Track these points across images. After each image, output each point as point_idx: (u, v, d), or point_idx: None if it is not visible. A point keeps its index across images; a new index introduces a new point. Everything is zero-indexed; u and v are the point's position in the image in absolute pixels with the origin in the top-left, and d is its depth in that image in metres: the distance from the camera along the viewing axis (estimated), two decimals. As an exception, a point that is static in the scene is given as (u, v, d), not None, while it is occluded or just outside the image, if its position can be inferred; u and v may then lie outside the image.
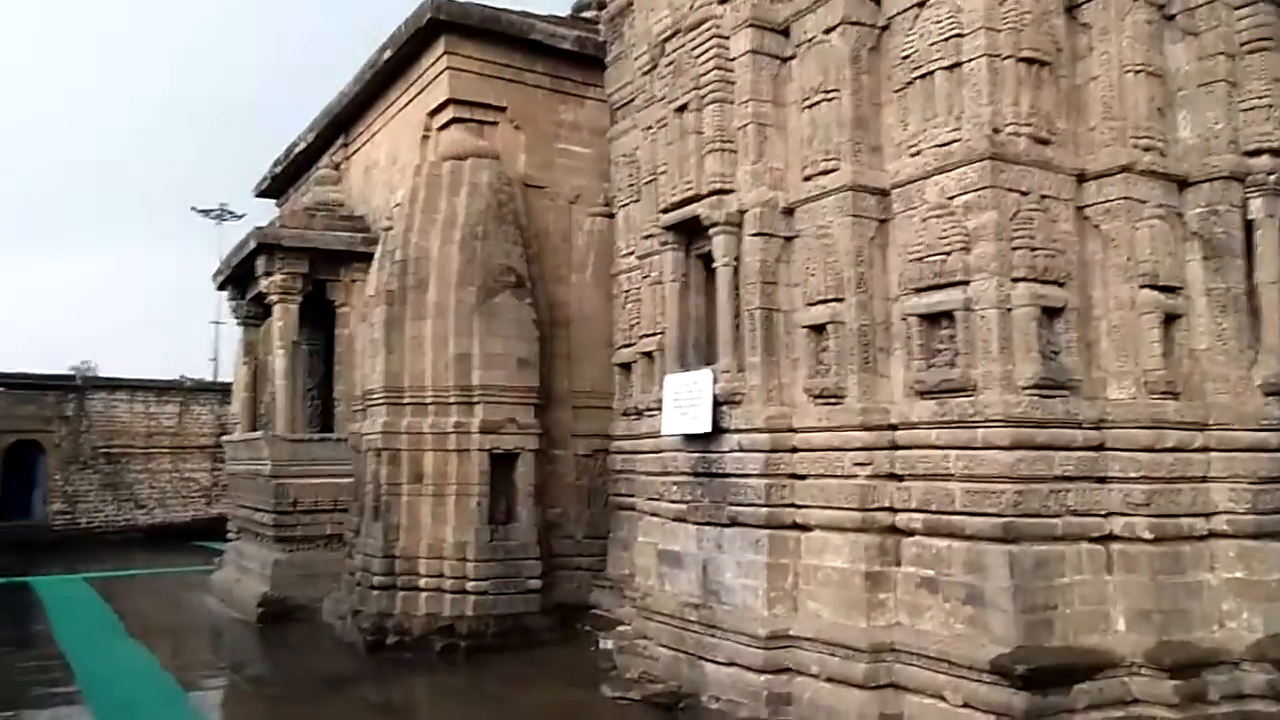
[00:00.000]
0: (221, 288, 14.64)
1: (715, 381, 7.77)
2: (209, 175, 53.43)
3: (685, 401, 8.16)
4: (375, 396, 10.53)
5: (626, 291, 10.51)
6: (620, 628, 9.53)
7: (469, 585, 9.93)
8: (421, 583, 10.10)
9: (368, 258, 12.46)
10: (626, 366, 10.47)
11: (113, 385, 24.69)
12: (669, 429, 8.39)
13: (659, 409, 9.25)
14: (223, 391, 26.57)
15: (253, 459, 12.85)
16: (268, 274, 12.24)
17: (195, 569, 17.71)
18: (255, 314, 14.37)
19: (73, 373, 24.47)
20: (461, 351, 10.22)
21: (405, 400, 10.39)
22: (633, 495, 10.11)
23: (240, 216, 42.93)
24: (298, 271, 12.24)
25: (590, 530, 11.10)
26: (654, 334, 9.41)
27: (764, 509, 7.32)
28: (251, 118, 59.74)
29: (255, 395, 14.45)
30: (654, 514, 9.07)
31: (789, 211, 7.62)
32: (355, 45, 14.04)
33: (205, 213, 42.74)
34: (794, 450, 7.39)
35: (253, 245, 12.08)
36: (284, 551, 12.13)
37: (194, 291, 58.05)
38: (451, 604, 9.94)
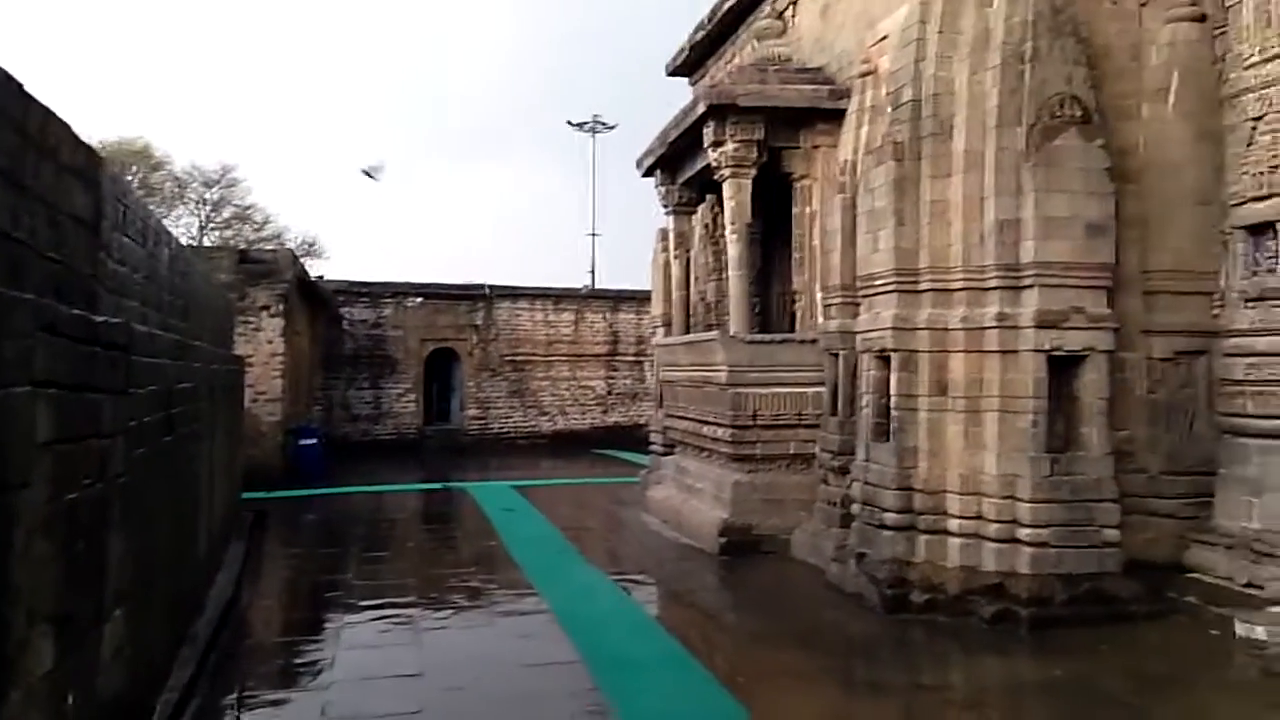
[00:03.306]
0: (647, 174, 12.96)
1: None
2: (578, 93, 54.56)
3: None
4: (880, 282, 8.13)
5: (1256, 120, 7.15)
6: (1271, 609, 6.55)
7: (1022, 533, 7.36)
8: (952, 525, 7.69)
9: (834, 116, 10.05)
10: (1256, 229, 7.17)
11: (515, 294, 24.87)
12: None
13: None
14: (612, 299, 26.11)
15: (698, 364, 11.11)
16: (717, 144, 10.20)
17: (615, 480, 16.94)
18: (687, 200, 12.58)
19: (480, 284, 24.92)
20: (1005, 217, 7.48)
21: (922, 286, 7.88)
22: (1268, 415, 6.99)
23: (612, 128, 43.22)
24: (752, 138, 10.06)
25: (1171, 463, 8.06)
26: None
27: None
28: (613, 36, 60.12)
29: (687, 294, 12.75)
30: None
31: None
32: None
33: (579, 125, 43.44)
34: None
35: (702, 109, 10.04)
36: (743, 472, 10.31)
37: (567, 205, 60.18)
38: (997, 556, 7.44)
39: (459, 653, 6.75)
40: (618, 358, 26.05)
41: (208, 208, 37.09)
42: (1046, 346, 7.37)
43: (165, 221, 28.81)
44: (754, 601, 8.22)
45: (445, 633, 7.28)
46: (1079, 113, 7.46)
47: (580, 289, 26.71)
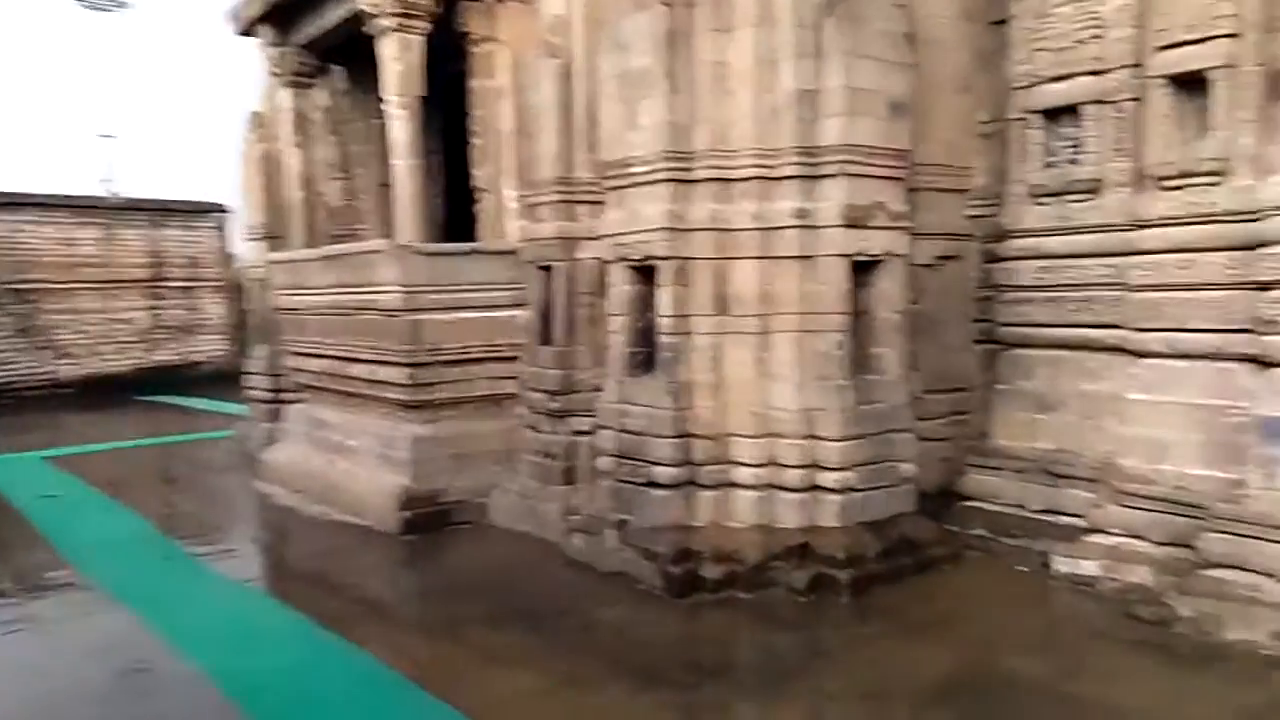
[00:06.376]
0: (247, 31, 9.50)
1: None
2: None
3: None
4: (640, 169, 6.19)
5: (1052, -12, 6.33)
6: (1091, 539, 5.94)
7: (827, 478, 6.05)
8: (743, 476, 6.17)
9: (527, -41, 7.78)
10: (1052, 114, 6.42)
11: (16, 203, 18.90)
12: None
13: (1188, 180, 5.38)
14: (155, 211, 21.15)
15: (348, 286, 8.35)
16: (376, -20, 7.42)
17: (191, 437, 13.30)
18: (308, 70, 9.45)
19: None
20: (804, 86, 5.92)
21: (698, 174, 6.10)
22: (1061, 324, 6.39)
23: (128, 5, 35.51)
24: (424, -21, 7.45)
25: (934, 381, 7.27)
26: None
27: None
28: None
29: (309, 195, 9.74)
30: (1159, 355, 5.37)
31: None
32: None
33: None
34: None
35: (354, -75, 7.17)
36: (423, 423, 7.93)
37: (72, 101, 49.02)
38: (799, 509, 6.07)
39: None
40: (165, 284, 21.30)
41: None
42: (852, 250, 6.03)
43: None
44: (495, 605, 5.96)
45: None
46: (881, -37, 6.10)
47: (110, 198, 21.16)
